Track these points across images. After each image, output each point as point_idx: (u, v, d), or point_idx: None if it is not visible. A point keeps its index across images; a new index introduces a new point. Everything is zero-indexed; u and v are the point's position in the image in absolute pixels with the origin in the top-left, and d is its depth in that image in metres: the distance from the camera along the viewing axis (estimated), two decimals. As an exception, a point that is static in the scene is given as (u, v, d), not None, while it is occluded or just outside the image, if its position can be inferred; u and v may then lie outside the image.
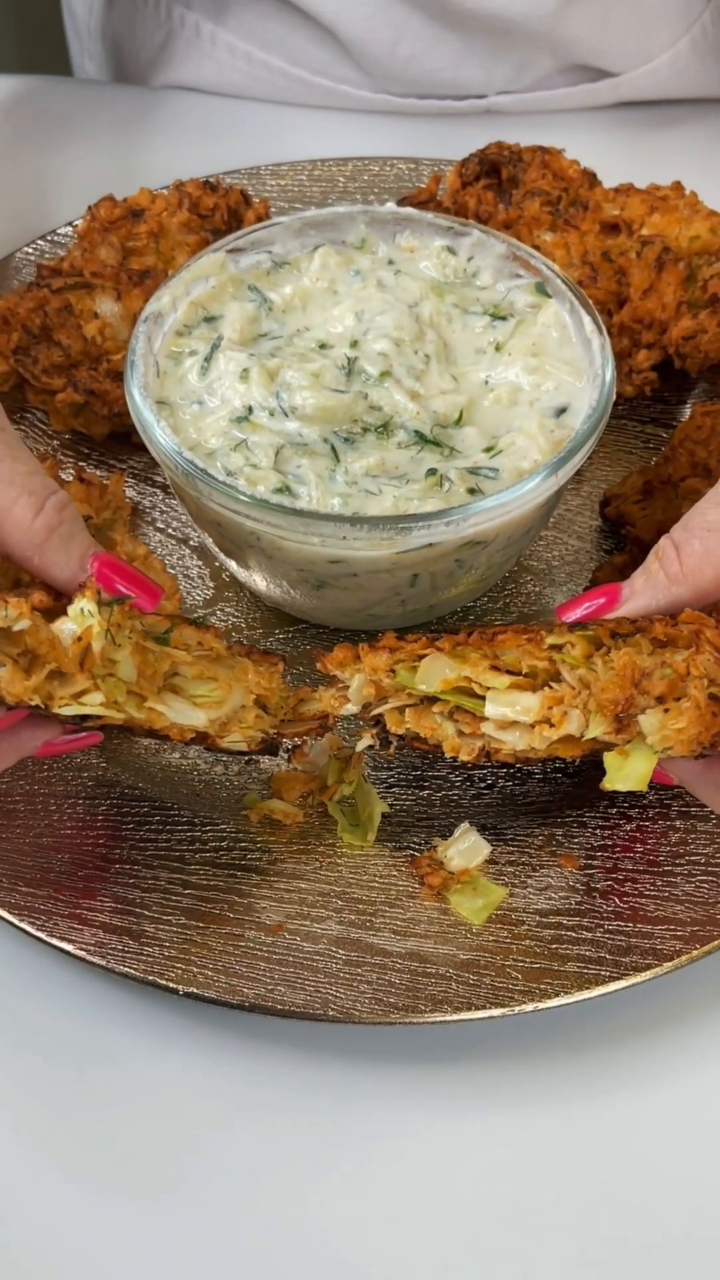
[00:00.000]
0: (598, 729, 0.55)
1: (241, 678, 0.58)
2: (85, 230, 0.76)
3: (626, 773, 0.54)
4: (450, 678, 0.56)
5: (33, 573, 0.57)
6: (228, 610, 0.69)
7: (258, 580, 0.65)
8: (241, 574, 0.67)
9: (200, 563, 0.71)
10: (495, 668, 0.56)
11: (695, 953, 0.56)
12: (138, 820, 0.61)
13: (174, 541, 0.72)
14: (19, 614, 0.53)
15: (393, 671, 0.57)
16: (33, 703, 0.53)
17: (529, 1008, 0.55)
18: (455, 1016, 0.55)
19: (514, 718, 0.55)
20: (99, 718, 0.55)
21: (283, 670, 0.59)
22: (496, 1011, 0.55)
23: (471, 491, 0.61)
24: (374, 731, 0.58)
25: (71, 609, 0.54)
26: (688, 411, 0.76)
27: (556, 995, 0.55)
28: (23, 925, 0.57)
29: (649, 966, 0.56)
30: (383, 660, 0.56)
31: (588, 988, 0.55)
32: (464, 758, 0.57)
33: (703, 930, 0.57)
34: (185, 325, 0.67)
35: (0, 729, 0.57)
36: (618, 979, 0.56)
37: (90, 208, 0.77)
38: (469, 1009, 0.55)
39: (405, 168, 0.87)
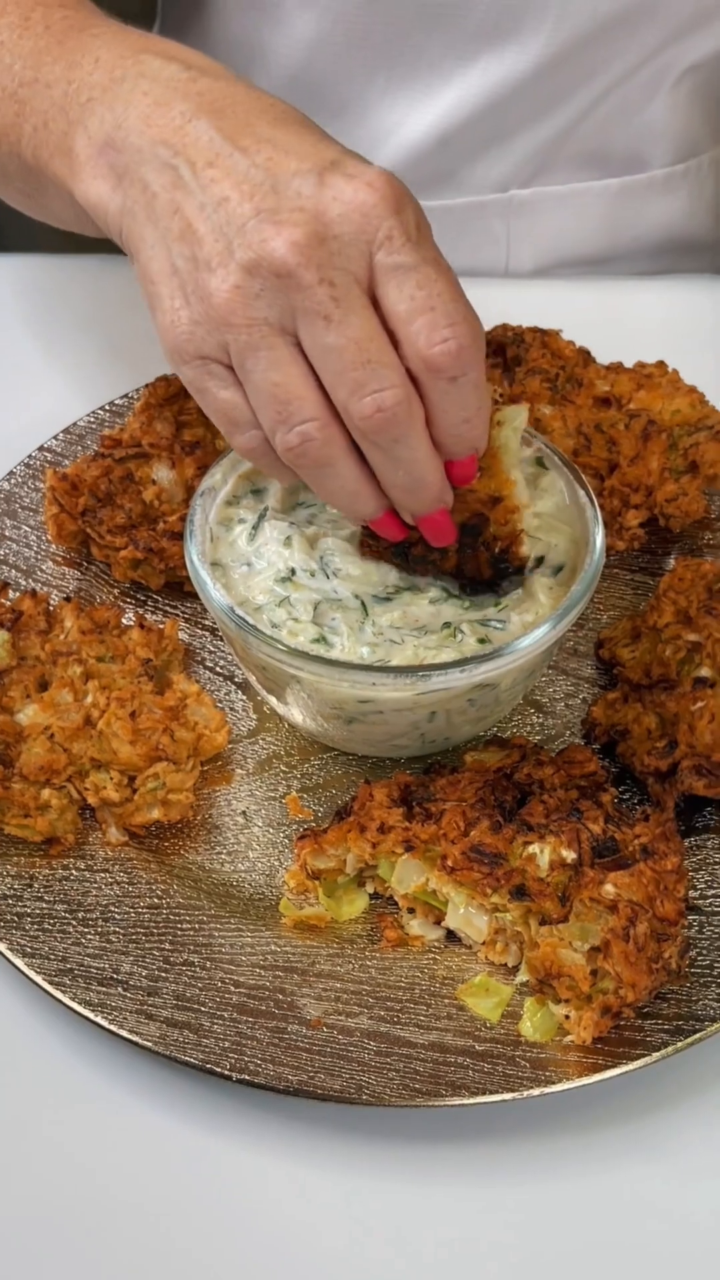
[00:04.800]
0: (524, 976, 0.65)
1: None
2: (143, 406, 0.84)
3: (535, 1023, 0.64)
4: (420, 883, 0.66)
5: None
6: (268, 739, 0.77)
7: (295, 714, 0.74)
8: (281, 709, 0.75)
9: (244, 697, 0.79)
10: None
11: (680, 1044, 0.63)
12: (195, 927, 0.68)
13: (221, 679, 0.80)
14: None
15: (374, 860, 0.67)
16: None
17: (536, 1092, 0.62)
18: (471, 1100, 0.61)
19: (467, 930, 0.65)
20: None
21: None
22: (507, 1096, 0.61)
23: (481, 641, 0.69)
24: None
25: None
26: (672, 563, 0.84)
27: (559, 1081, 0.62)
28: (97, 1020, 0.64)
29: (639, 1056, 0.63)
30: (366, 850, 0.67)
31: (586, 1075, 0.62)
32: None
33: (685, 1024, 0.64)
34: (234, 496, 0.75)
35: (460, 463, 0.64)
36: (611, 1067, 0.62)
37: (148, 386, 0.86)
38: (484, 1094, 0.61)
39: None
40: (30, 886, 0.70)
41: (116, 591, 0.84)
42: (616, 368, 0.87)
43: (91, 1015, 0.64)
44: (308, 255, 0.59)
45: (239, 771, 0.76)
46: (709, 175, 1.05)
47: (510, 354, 0.88)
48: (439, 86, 0.99)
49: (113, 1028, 0.64)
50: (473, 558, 0.70)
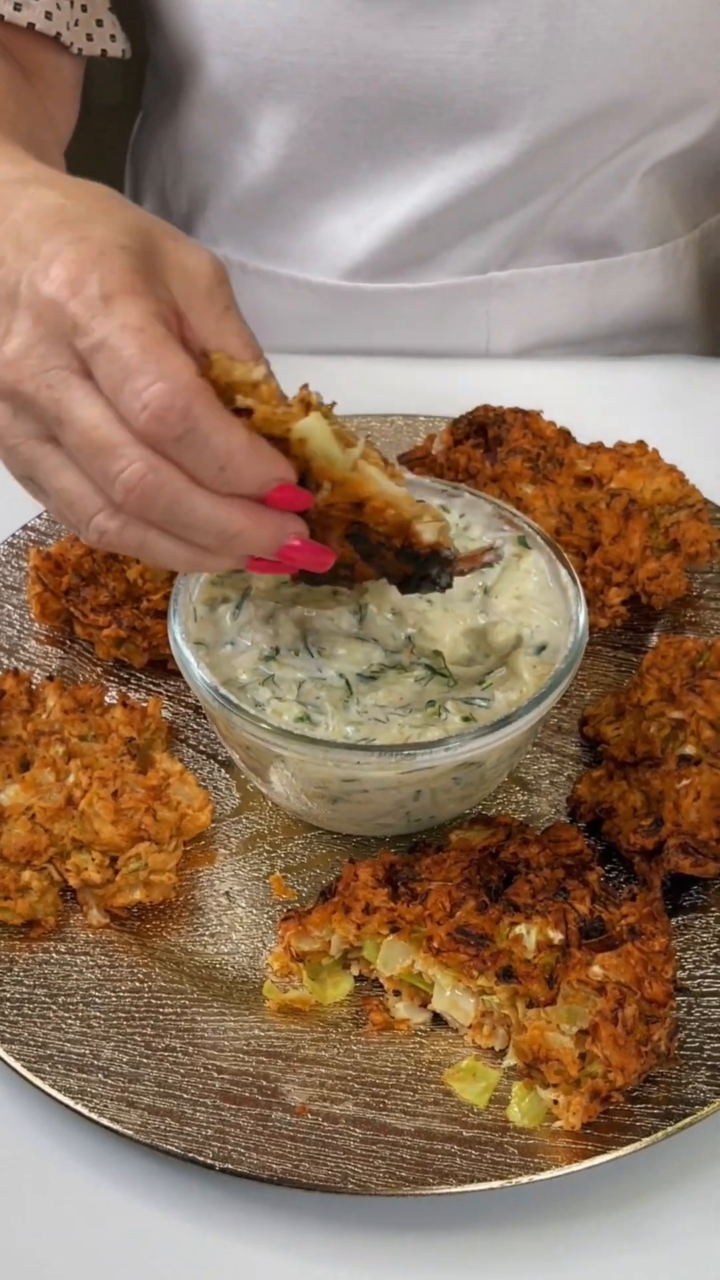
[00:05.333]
0: (512, 1060, 0.64)
1: None
2: None
3: (523, 1108, 0.63)
4: (406, 965, 0.65)
5: None
6: (252, 818, 0.77)
7: (280, 793, 0.73)
8: (265, 788, 0.75)
9: (228, 776, 0.79)
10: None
11: (670, 1129, 0.62)
12: (177, 1011, 0.67)
13: (204, 757, 0.80)
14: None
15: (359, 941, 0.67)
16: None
17: (524, 1179, 0.61)
18: (459, 1189, 0.60)
19: (453, 1014, 0.65)
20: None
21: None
22: (496, 1184, 0.60)
23: (466, 719, 0.69)
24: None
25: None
26: (655, 641, 0.84)
27: (549, 1168, 0.61)
28: (77, 1108, 0.63)
29: (629, 1142, 0.62)
30: (351, 932, 0.66)
31: (576, 1161, 0.61)
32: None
33: (675, 1109, 0.63)
34: (218, 577, 0.75)
35: (271, 497, 0.60)
36: (601, 1153, 0.61)
37: (132, 465, 0.87)
38: (472, 1181, 0.60)
39: (403, 423, 0.96)
40: (10, 970, 0.69)
41: (100, 670, 0.84)
42: (597, 447, 0.88)
43: (71, 1103, 0.63)
44: (19, 369, 0.58)
45: (222, 851, 0.75)
46: (685, 258, 1.07)
47: (492, 434, 0.89)
48: (419, 174, 1.01)
49: (93, 1115, 0.63)
50: (381, 561, 0.67)
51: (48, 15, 0.90)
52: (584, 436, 0.91)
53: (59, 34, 0.91)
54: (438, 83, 0.96)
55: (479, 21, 0.92)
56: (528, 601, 0.75)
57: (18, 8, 0.89)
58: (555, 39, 0.93)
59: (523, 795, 0.78)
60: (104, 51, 0.97)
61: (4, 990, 0.68)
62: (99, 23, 0.96)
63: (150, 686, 0.83)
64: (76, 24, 0.94)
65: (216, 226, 1.11)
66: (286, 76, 0.98)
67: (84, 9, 0.94)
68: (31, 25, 0.90)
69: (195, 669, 0.70)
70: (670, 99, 0.98)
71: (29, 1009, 0.67)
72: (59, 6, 0.91)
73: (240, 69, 0.99)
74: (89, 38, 0.95)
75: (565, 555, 0.76)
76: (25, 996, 0.67)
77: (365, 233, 1.04)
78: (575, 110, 0.97)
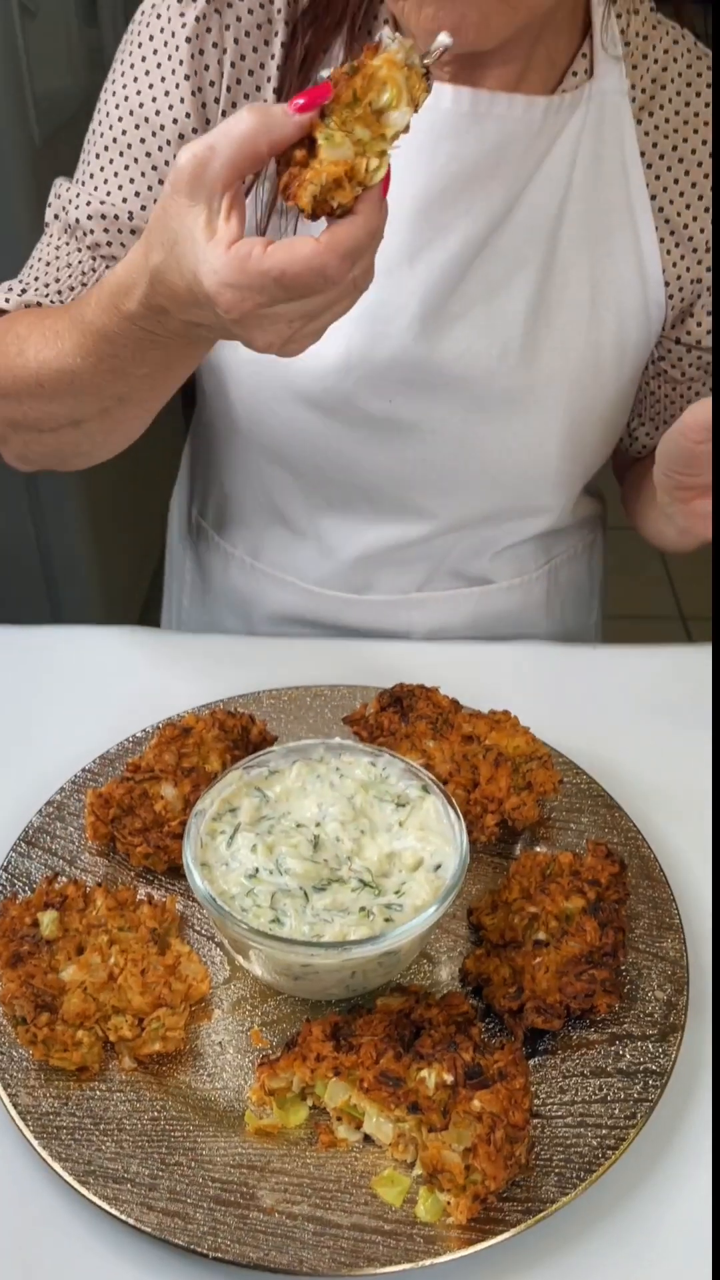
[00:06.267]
0: (419, 1170, 0.66)
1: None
2: (156, 743, 0.90)
3: (427, 1207, 0.65)
4: (345, 1099, 0.68)
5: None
6: (238, 986, 0.79)
7: (257, 970, 0.76)
8: (246, 965, 0.77)
9: (221, 954, 0.81)
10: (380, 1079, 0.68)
11: (530, 1221, 0.64)
12: (184, 1134, 0.70)
13: (205, 939, 0.82)
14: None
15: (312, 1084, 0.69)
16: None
17: (427, 1262, 0.63)
18: (381, 1270, 0.62)
19: (378, 1135, 0.67)
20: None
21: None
22: (407, 1266, 0.62)
23: (388, 920, 0.74)
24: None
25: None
26: (518, 852, 0.88)
27: (445, 1253, 0.63)
28: (113, 1211, 0.64)
29: (501, 1232, 0.63)
30: (307, 1074, 0.69)
31: (464, 1248, 0.63)
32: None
33: (533, 1205, 0.65)
34: (218, 814, 0.80)
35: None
36: (481, 1241, 0.63)
37: (158, 728, 0.92)
38: (390, 1264, 0.62)
39: (347, 691, 1.02)
40: (66, 1104, 0.71)
41: (133, 874, 0.87)
42: (476, 714, 0.94)
43: (108, 1208, 0.65)
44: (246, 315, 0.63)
45: (217, 1011, 0.78)
46: (536, 584, 1.16)
47: (406, 704, 0.94)
48: (365, 529, 1.09)
49: (123, 1217, 0.65)
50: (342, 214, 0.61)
51: None
52: (468, 702, 0.97)
53: None
54: (392, 481, 1.05)
55: (419, 449, 1.02)
56: (428, 833, 0.79)
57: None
58: (459, 465, 1.03)
59: (429, 967, 0.81)
60: None
61: (61, 1120, 0.70)
62: None
63: (169, 887, 0.86)
64: None
65: (238, 522, 1.15)
66: (285, 458, 1.06)
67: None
68: None
69: (199, 883, 0.74)
70: (534, 507, 1.08)
71: (79, 1135, 0.69)
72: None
73: (256, 445, 1.07)
74: None
75: (453, 799, 0.81)
76: (76, 1125, 0.70)
77: (329, 560, 1.12)
78: (469, 512, 1.07)
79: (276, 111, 0.58)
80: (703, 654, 1.10)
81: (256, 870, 0.76)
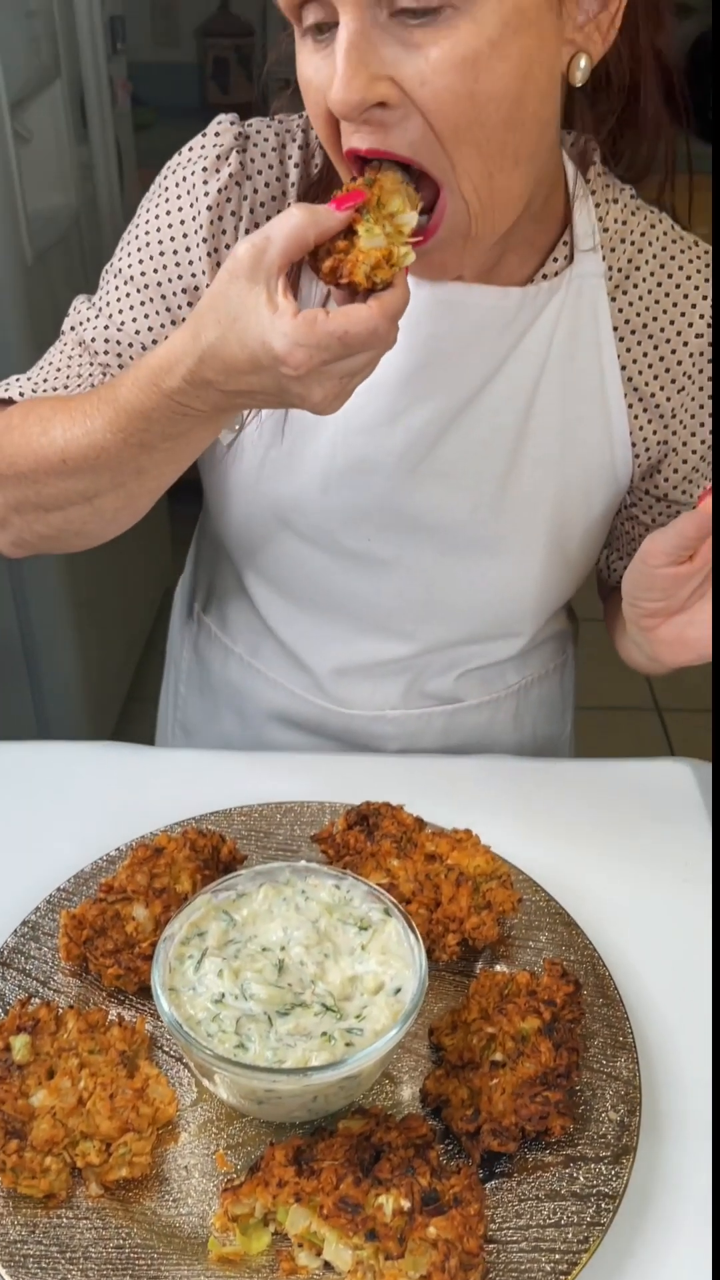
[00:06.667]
0: None
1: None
2: (129, 863, 0.93)
3: None
4: (305, 1225, 0.70)
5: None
6: (204, 1108, 0.81)
7: (222, 1094, 0.78)
8: (212, 1089, 0.79)
9: (188, 1075, 0.83)
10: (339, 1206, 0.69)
11: None
12: (148, 1262, 0.71)
13: (172, 1060, 0.84)
14: None
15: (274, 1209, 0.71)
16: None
17: None
18: None
19: (337, 1262, 0.69)
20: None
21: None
22: None
23: (349, 1044, 0.76)
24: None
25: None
26: (478, 969, 0.91)
27: None
28: None
29: None
30: (269, 1201, 0.71)
31: None
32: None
33: None
34: (186, 938, 0.82)
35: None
36: None
37: (134, 847, 0.95)
38: None
39: (317, 808, 1.05)
40: (33, 1232, 0.72)
41: (104, 994, 0.89)
42: (440, 832, 0.97)
43: (71, 1340, 0.66)
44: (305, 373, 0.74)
45: (184, 1134, 0.79)
46: (505, 702, 1.20)
47: (372, 822, 0.98)
48: (343, 645, 1.15)
49: (86, 1349, 0.66)
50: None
51: None
52: (435, 819, 1.01)
53: None
54: (370, 607, 1.12)
55: (395, 581, 1.08)
56: (389, 956, 0.82)
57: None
58: (433, 598, 1.09)
59: (391, 1087, 0.83)
60: None
61: (29, 1249, 0.71)
62: None
63: (139, 1007, 0.88)
64: None
65: (235, 623, 1.21)
66: (271, 576, 1.13)
67: None
68: None
69: (166, 1008, 0.77)
70: (505, 633, 1.14)
71: (45, 1263, 0.70)
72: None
73: (246, 560, 1.14)
74: None
75: (414, 922, 0.83)
76: (43, 1253, 0.71)
77: (306, 672, 1.18)
78: (442, 637, 1.13)
79: (322, 209, 0.72)
80: (664, 767, 1.14)
81: (222, 995, 0.79)
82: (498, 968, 0.91)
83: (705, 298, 0.99)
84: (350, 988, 0.81)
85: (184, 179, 0.96)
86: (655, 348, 1.01)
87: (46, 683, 2.45)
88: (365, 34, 0.71)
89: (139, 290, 0.98)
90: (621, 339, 1.01)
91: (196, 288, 0.98)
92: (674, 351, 1.01)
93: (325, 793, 1.08)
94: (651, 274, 1.00)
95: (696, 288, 1.00)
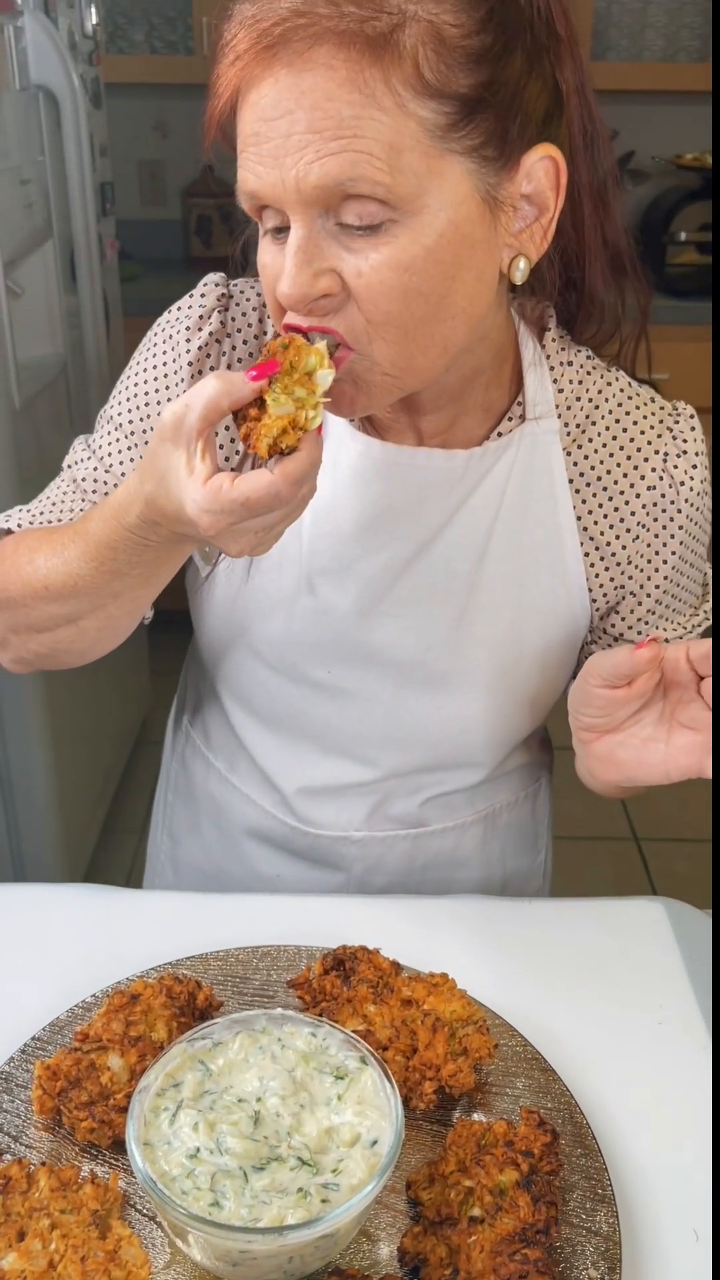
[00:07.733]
0: None
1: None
2: (104, 1011, 0.93)
3: None
4: None
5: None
6: (176, 1270, 0.79)
7: (196, 1255, 0.77)
8: (185, 1249, 0.78)
9: (162, 1234, 0.82)
10: None
11: None
12: None
13: (146, 1218, 0.83)
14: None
15: None
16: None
17: None
18: None
19: None
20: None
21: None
22: None
23: (324, 1200, 0.76)
24: None
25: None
26: (455, 1118, 0.90)
27: None
28: None
29: None
30: None
31: None
32: None
33: None
34: (161, 1089, 0.82)
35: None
36: None
37: (108, 996, 0.95)
38: None
39: (294, 951, 1.05)
40: None
41: (77, 1149, 0.88)
42: (416, 976, 0.98)
43: None
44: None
45: (156, 1299, 0.78)
46: (471, 828, 1.23)
47: (348, 966, 0.98)
48: (309, 767, 1.18)
49: None
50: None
51: None
52: (411, 961, 1.01)
53: None
54: (332, 731, 1.15)
55: (356, 710, 1.13)
56: (366, 1106, 0.82)
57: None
58: (392, 727, 1.13)
59: (368, 1245, 0.82)
60: None
61: None
62: None
63: (113, 1162, 0.87)
64: None
65: (215, 738, 1.25)
66: (244, 698, 1.18)
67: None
68: None
69: (140, 1164, 0.76)
70: (464, 763, 1.17)
71: None
72: None
73: (222, 683, 1.19)
74: None
75: (390, 1070, 0.84)
76: None
77: (274, 791, 1.21)
78: (403, 763, 1.17)
79: (236, 379, 0.76)
80: (639, 906, 1.15)
81: (198, 1150, 0.78)
82: (475, 1116, 0.91)
83: (657, 452, 1.07)
84: (326, 1140, 0.81)
85: (170, 336, 1.06)
86: (610, 499, 1.08)
87: (22, 815, 2.44)
88: (313, 238, 0.79)
89: (126, 436, 1.10)
90: (577, 490, 1.08)
91: None
92: (628, 502, 1.08)
93: (302, 935, 1.08)
94: (607, 428, 1.07)
95: (649, 442, 1.07)
